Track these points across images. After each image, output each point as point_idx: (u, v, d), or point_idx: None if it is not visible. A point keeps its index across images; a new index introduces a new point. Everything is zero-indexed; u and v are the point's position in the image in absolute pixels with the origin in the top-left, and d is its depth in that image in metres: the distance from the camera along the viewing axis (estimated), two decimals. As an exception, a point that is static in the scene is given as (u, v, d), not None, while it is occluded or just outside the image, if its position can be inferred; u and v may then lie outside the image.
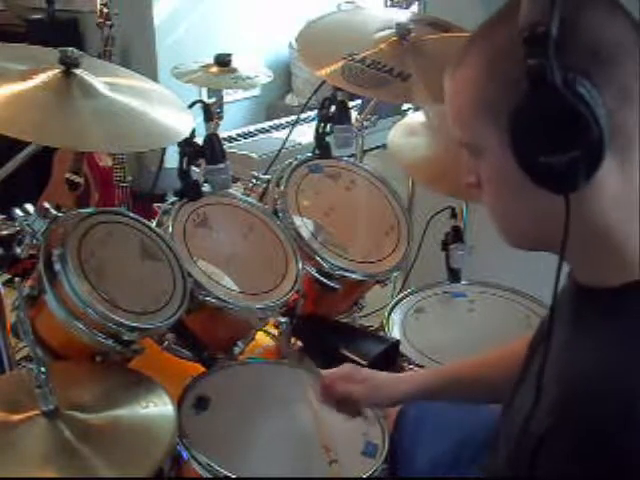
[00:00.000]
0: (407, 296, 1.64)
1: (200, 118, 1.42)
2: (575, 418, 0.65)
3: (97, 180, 2.72)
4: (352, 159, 1.78)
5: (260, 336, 1.52)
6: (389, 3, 3.26)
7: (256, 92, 3.69)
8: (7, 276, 1.72)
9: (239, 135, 3.08)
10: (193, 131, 1.32)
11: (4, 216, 1.21)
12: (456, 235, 1.67)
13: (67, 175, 2.60)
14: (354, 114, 1.81)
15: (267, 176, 1.62)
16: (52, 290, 1.14)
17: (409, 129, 1.69)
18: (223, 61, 2.17)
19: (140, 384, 1.16)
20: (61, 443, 1.00)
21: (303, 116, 2.22)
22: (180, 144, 1.37)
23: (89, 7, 3.03)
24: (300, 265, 1.45)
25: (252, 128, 3.19)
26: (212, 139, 1.41)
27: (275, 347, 1.54)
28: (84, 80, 1.21)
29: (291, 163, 1.61)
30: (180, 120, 1.30)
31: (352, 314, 1.69)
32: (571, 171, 0.64)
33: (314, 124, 1.66)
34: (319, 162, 1.65)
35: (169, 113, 1.30)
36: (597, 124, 0.62)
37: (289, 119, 3.27)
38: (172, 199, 1.43)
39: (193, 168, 1.42)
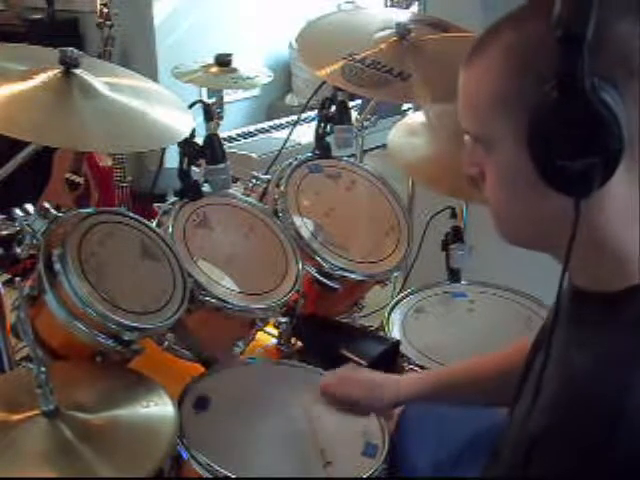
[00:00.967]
0: (407, 296, 1.64)
1: (200, 118, 1.42)
2: (569, 420, 0.65)
3: (97, 180, 2.72)
4: (352, 159, 1.78)
5: (260, 336, 1.52)
6: (389, 3, 3.27)
7: (256, 92, 3.69)
8: (7, 276, 1.72)
9: (239, 135, 3.08)
10: (193, 131, 1.32)
11: (4, 216, 1.20)
12: (456, 235, 1.67)
13: (67, 175, 2.61)
14: (354, 114, 1.81)
15: (267, 176, 1.62)
16: (52, 290, 1.14)
17: (409, 129, 1.69)
18: (223, 61, 2.17)
19: (140, 384, 1.16)
20: (61, 443, 1.00)
21: (303, 116, 2.22)
22: (180, 144, 1.37)
23: (89, 7, 3.03)
24: (300, 265, 1.45)
25: (252, 128, 3.19)
26: (212, 139, 1.41)
27: (275, 347, 1.54)
28: (84, 80, 1.21)
29: (291, 163, 1.61)
30: (180, 120, 1.30)
31: (352, 314, 1.69)
32: (588, 177, 0.64)
33: (314, 124, 1.66)
34: (319, 162, 1.65)
35: (169, 113, 1.30)
36: (619, 133, 0.62)
37: (289, 119, 3.26)
38: (172, 199, 1.43)
39: (193, 168, 1.42)
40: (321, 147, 1.66)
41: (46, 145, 1.21)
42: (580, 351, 0.69)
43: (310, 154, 1.66)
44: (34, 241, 1.15)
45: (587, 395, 0.65)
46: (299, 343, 1.54)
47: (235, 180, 1.51)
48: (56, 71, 1.20)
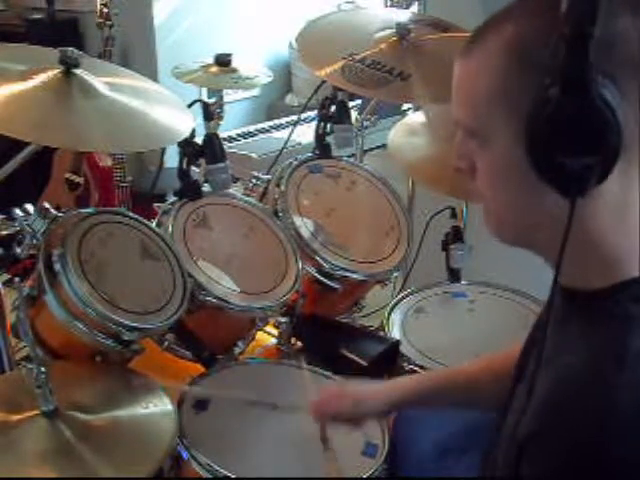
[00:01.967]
0: (407, 296, 1.64)
1: (200, 118, 1.42)
2: (560, 420, 0.65)
3: (97, 180, 2.71)
4: (352, 159, 1.78)
5: (260, 336, 1.52)
6: (389, 3, 3.26)
7: (256, 92, 3.69)
8: (7, 276, 1.72)
9: (239, 135, 3.08)
10: (193, 131, 1.32)
11: (4, 216, 1.21)
12: (456, 235, 1.67)
13: (67, 175, 2.62)
14: (354, 114, 1.81)
15: (267, 176, 1.62)
16: (52, 290, 1.14)
17: (409, 129, 1.69)
18: (223, 61, 2.17)
19: (140, 384, 1.16)
20: (61, 443, 1.01)
21: (303, 116, 2.22)
22: (180, 144, 1.37)
23: (89, 7, 3.02)
24: (300, 265, 1.45)
25: (252, 128, 3.19)
26: (212, 139, 1.41)
27: (275, 347, 1.54)
28: (84, 80, 1.21)
29: (291, 163, 1.61)
30: (180, 120, 1.30)
31: (352, 314, 1.69)
32: (585, 175, 0.63)
33: (314, 124, 1.66)
34: (319, 162, 1.65)
35: (169, 113, 1.30)
36: (618, 131, 0.62)
37: (289, 119, 3.26)
38: (172, 199, 1.43)
39: (193, 168, 1.42)
40: (321, 147, 1.66)
41: (46, 145, 1.21)
42: (570, 350, 0.68)
43: (310, 154, 1.66)
44: (34, 241, 1.15)
45: (577, 394, 0.64)
46: (299, 343, 1.54)
47: (235, 180, 1.51)
48: (56, 71, 1.20)
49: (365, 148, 2.02)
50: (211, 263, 1.37)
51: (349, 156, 1.78)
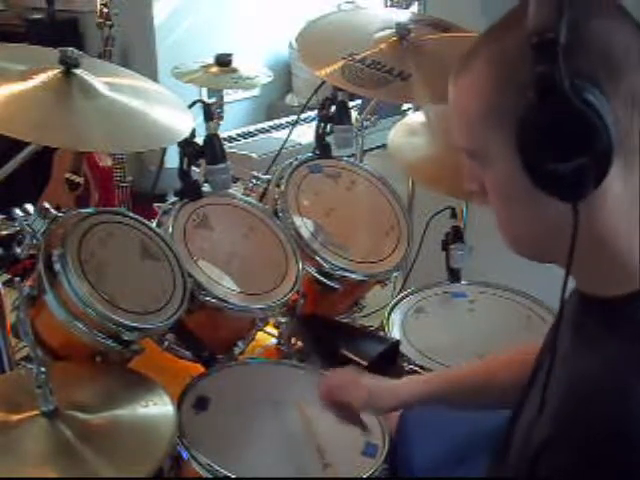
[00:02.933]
0: (407, 296, 1.64)
1: (200, 118, 1.42)
2: (575, 425, 0.65)
3: (97, 180, 2.72)
4: (352, 159, 1.78)
5: (260, 336, 1.52)
6: (389, 3, 3.26)
7: (256, 92, 3.69)
8: (7, 276, 1.72)
9: (239, 135, 3.08)
10: (193, 131, 1.32)
11: (4, 216, 1.21)
12: (456, 235, 1.67)
13: (67, 175, 2.62)
14: (354, 114, 1.81)
15: (267, 176, 1.62)
16: (52, 290, 1.14)
17: (409, 129, 1.69)
18: (223, 61, 2.17)
19: (140, 384, 1.16)
20: (61, 443, 1.01)
21: (303, 116, 2.22)
22: (180, 144, 1.37)
23: (89, 7, 3.02)
24: (300, 265, 1.45)
25: (252, 128, 3.19)
26: (212, 139, 1.41)
27: (275, 347, 1.54)
28: (84, 80, 1.21)
29: (291, 163, 1.61)
30: (180, 120, 1.30)
31: (352, 314, 1.69)
32: (579, 178, 0.63)
33: (314, 124, 1.66)
34: (319, 162, 1.65)
35: (169, 113, 1.30)
36: (606, 131, 0.62)
37: (289, 119, 3.26)
38: (172, 199, 1.43)
39: (193, 168, 1.42)
40: (321, 147, 1.66)
41: (46, 145, 1.21)
42: (585, 355, 0.69)
43: (310, 154, 1.66)
44: (34, 241, 1.15)
45: (593, 400, 0.64)
46: (299, 343, 1.54)
47: (235, 180, 1.51)
48: (56, 71, 1.20)
49: (365, 148, 2.01)
50: (211, 263, 1.37)
51: (349, 156, 1.78)
